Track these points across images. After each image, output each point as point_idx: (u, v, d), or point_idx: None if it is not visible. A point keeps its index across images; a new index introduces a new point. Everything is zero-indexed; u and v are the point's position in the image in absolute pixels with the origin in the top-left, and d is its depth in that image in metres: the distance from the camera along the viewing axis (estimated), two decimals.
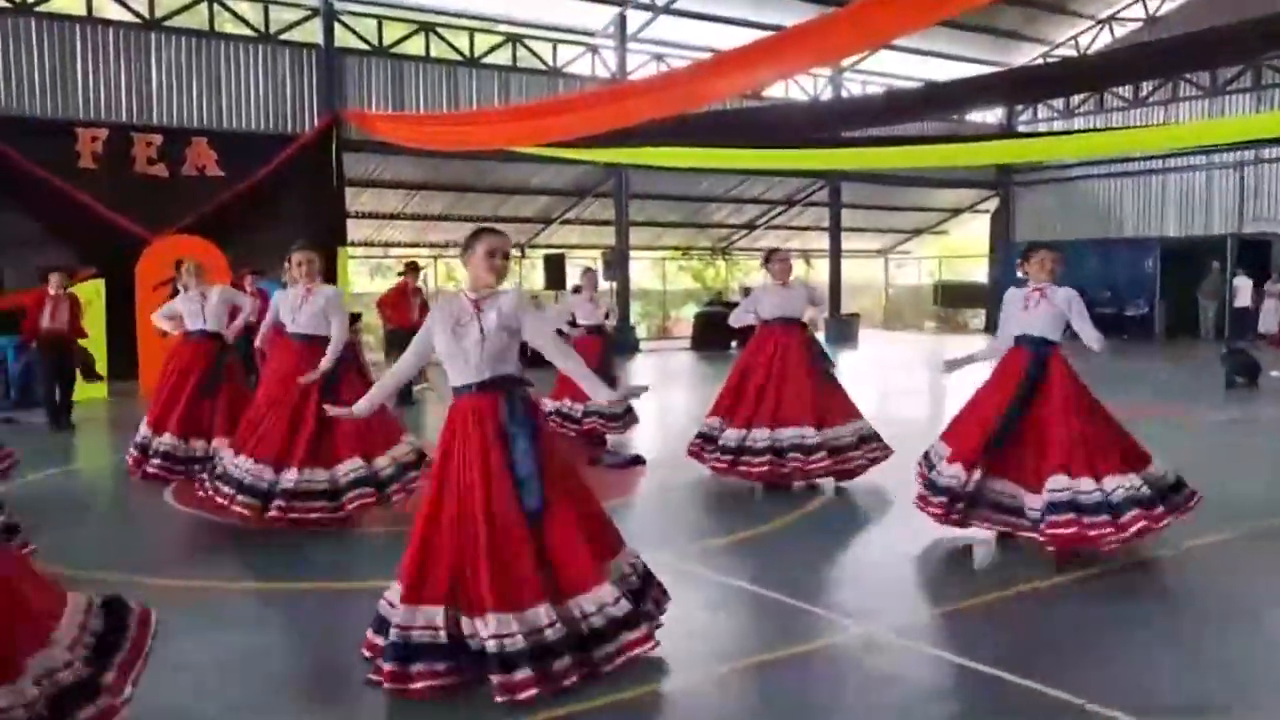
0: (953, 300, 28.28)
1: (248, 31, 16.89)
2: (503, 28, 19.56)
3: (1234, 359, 13.47)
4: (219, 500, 6.20)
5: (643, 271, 25.95)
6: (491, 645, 3.63)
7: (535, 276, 22.62)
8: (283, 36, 17.11)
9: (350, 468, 6.22)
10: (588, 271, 10.22)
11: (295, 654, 4.47)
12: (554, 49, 20.21)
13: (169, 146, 15.31)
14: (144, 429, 7.66)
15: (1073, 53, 24.22)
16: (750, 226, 25.90)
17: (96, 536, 6.48)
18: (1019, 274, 5.80)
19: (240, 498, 6.09)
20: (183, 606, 4.70)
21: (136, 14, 15.80)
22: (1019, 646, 4.36)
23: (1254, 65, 21.51)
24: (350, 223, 18.14)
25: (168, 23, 15.97)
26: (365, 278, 25.50)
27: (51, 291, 10.43)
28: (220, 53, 16.36)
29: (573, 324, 9.66)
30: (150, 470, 7.47)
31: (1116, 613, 4.70)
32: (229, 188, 15.52)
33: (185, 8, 16.23)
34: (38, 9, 14.91)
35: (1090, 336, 5.58)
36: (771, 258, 7.63)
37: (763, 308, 7.57)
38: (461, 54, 18.87)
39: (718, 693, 3.94)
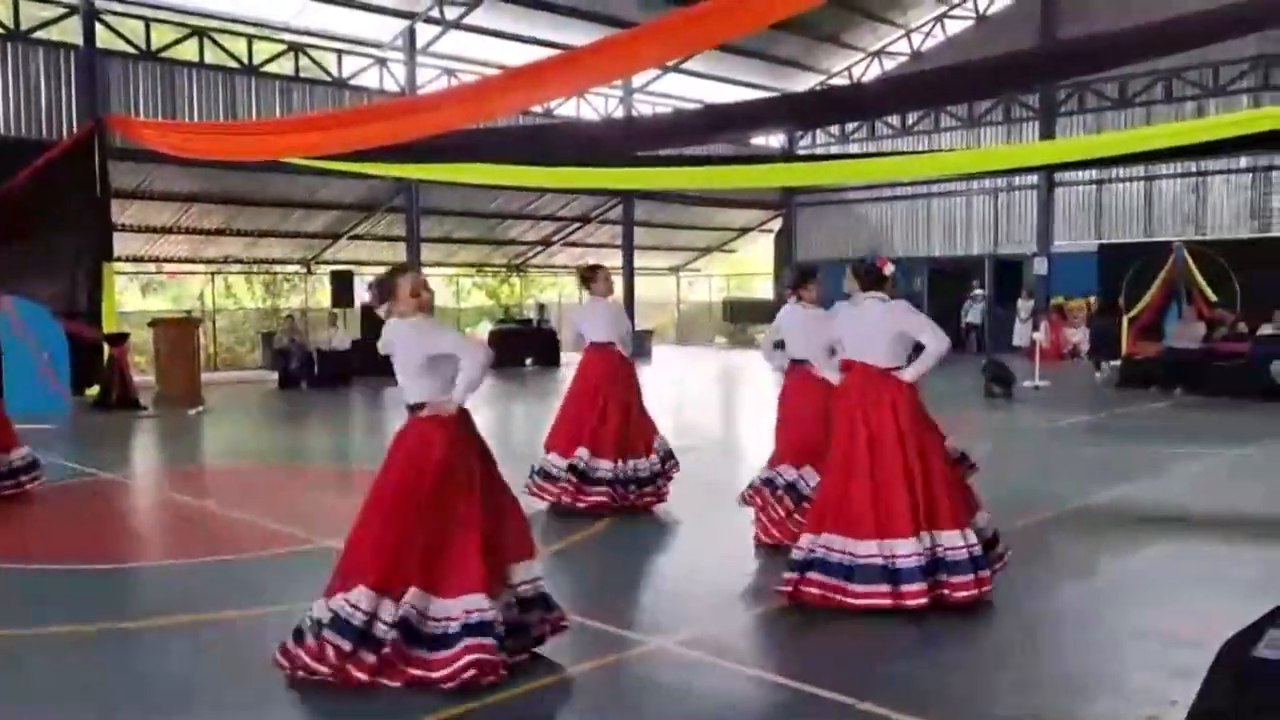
0: (741, 316, 29.30)
1: None
2: (285, 36, 18.78)
3: (992, 370, 14.55)
4: None
5: (436, 288, 25.47)
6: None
7: (323, 293, 21.83)
8: (36, 35, 15.80)
9: None
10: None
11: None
12: (339, 60, 19.60)
13: None
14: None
15: (846, 82, 25.64)
16: (545, 244, 25.93)
17: None
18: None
19: None
20: None
21: None
22: (813, 659, 4.44)
23: (1005, 100, 23.46)
24: (118, 236, 16.90)
25: None
26: (137, 295, 23.91)
27: None
28: None
29: None
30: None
31: (925, 623, 4.72)
32: None
33: None
34: None
35: None
36: (596, 274, 7.19)
37: (590, 327, 7.16)
38: (240, 61, 18.01)
39: (502, 716, 3.83)
